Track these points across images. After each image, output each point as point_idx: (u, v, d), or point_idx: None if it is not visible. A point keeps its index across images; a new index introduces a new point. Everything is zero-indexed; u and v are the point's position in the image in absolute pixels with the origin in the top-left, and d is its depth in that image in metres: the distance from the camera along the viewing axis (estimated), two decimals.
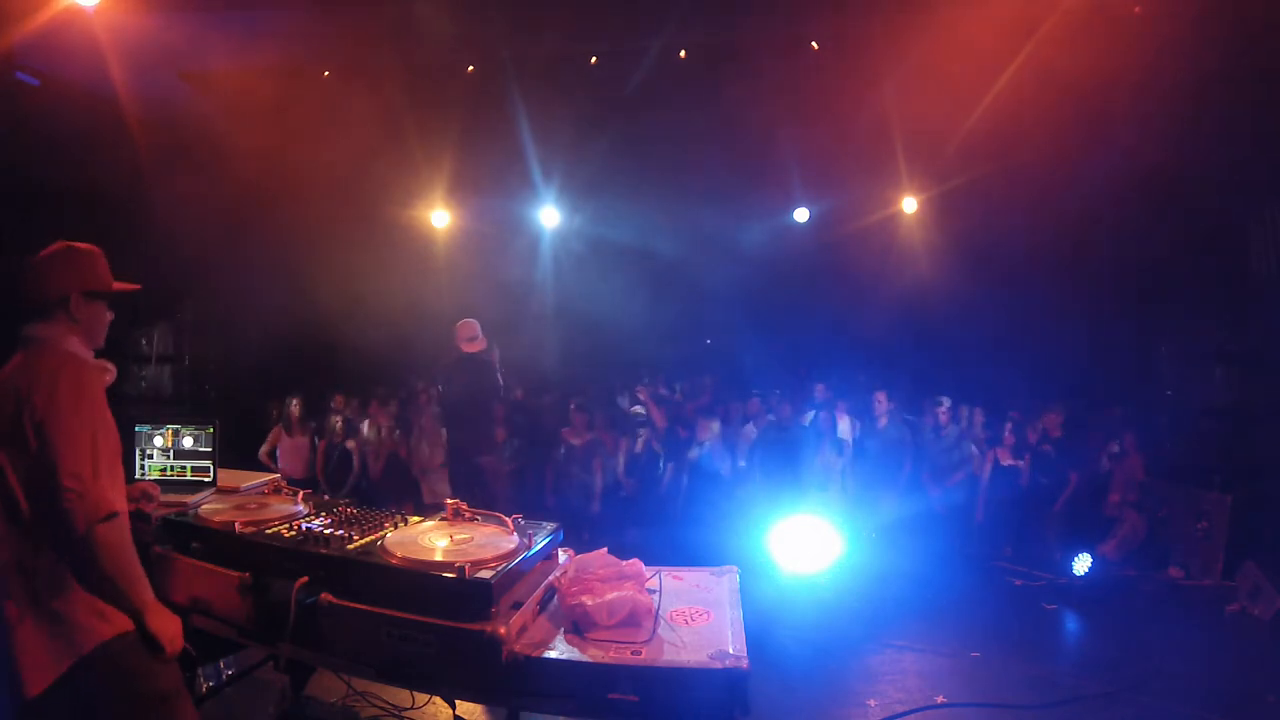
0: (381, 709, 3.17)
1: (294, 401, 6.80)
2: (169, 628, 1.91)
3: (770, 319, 10.67)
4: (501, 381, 5.83)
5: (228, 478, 3.02)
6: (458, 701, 2.79)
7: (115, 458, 1.89)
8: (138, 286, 2.16)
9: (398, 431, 7.14)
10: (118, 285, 2.10)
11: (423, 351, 9.59)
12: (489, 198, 9.87)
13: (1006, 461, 6.35)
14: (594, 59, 7.01)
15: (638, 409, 7.33)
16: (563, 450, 6.69)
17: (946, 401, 6.69)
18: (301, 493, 2.69)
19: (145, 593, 1.89)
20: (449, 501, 2.43)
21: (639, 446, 6.65)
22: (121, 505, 1.83)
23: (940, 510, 6.22)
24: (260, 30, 6.22)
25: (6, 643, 1.78)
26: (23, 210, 6.49)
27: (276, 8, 6.05)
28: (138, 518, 2.36)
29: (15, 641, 1.77)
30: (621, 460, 6.65)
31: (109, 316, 2.10)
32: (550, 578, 2.20)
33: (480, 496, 5.08)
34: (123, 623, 1.85)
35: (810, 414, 7.01)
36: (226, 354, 8.32)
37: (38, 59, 6.07)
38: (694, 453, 6.53)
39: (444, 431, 6.29)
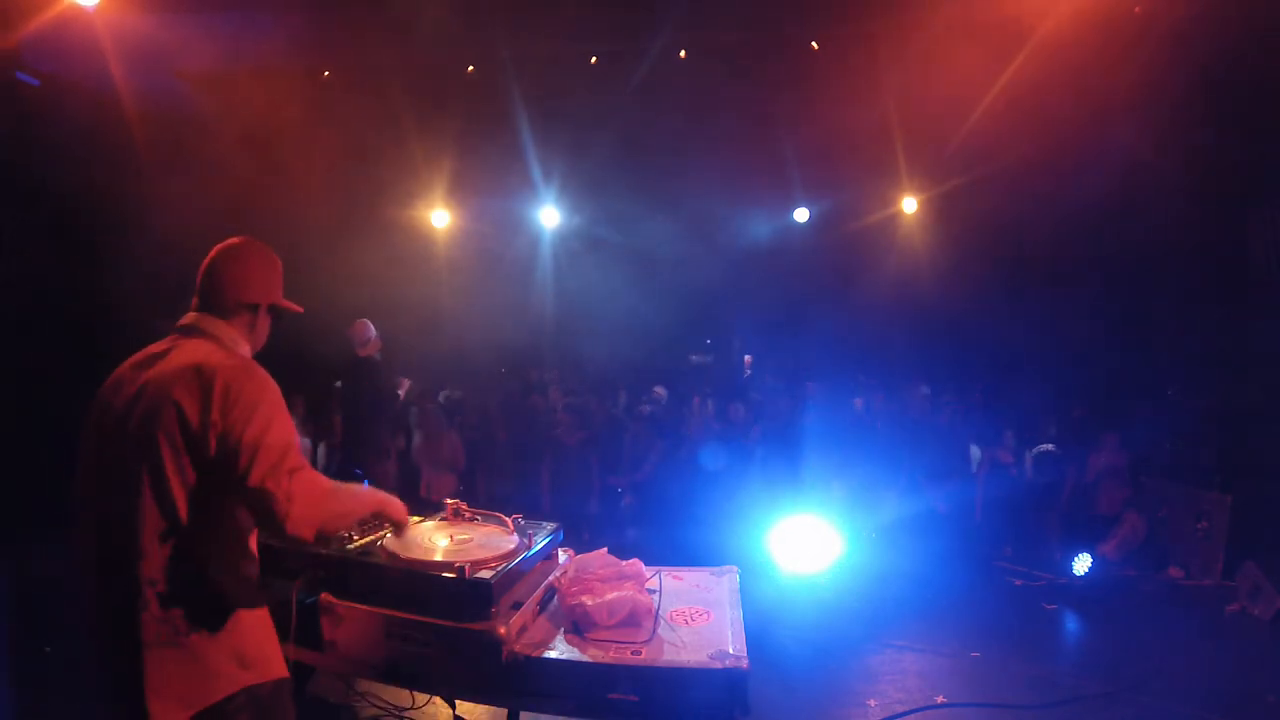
0: (381, 709, 3.17)
1: (296, 402, 6.79)
2: (398, 511, 1.94)
3: (770, 319, 10.69)
4: (390, 385, 5.70)
5: None
6: (458, 701, 2.79)
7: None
8: (300, 310, 1.98)
9: (399, 431, 7.13)
10: (289, 306, 1.95)
11: (423, 351, 9.61)
12: (489, 198, 9.88)
13: (1006, 461, 6.35)
14: (594, 59, 7.02)
15: (646, 407, 7.35)
16: (561, 450, 6.69)
17: (945, 399, 6.69)
18: None
19: (368, 504, 1.84)
20: (449, 501, 2.43)
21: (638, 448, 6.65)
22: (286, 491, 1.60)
23: (940, 510, 6.21)
24: (260, 30, 6.22)
25: (134, 663, 1.53)
26: (23, 210, 6.49)
27: (276, 8, 6.05)
28: None
29: (138, 678, 1.52)
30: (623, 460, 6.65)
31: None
32: (550, 578, 2.20)
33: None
34: (267, 669, 1.67)
35: (811, 414, 7.02)
36: None
37: (38, 59, 6.08)
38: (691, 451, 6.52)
39: (453, 432, 6.30)
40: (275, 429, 1.61)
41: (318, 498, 1.64)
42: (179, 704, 1.54)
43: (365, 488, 1.92)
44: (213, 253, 1.82)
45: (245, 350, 1.79)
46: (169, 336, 1.74)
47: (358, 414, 5.57)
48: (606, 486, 6.61)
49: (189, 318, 1.77)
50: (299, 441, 1.72)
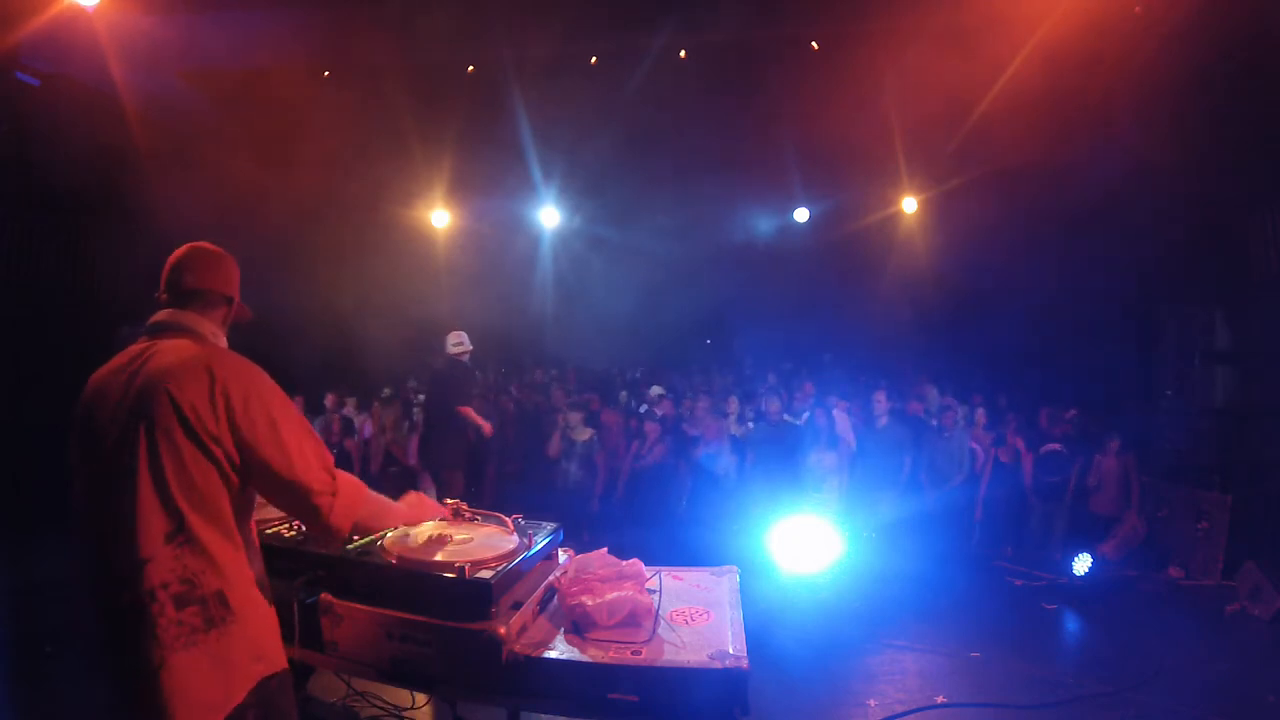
0: (381, 709, 3.16)
1: (296, 401, 6.79)
2: (422, 515, 2.13)
3: (770, 318, 10.70)
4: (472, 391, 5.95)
5: None
6: (458, 701, 2.79)
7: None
8: (250, 314, 1.97)
9: (399, 431, 7.14)
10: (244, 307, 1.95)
11: (424, 351, 9.63)
12: (489, 198, 9.89)
13: (1006, 461, 6.35)
14: (594, 59, 7.01)
15: (654, 409, 7.35)
16: (563, 448, 6.69)
17: (946, 399, 6.69)
18: None
19: (399, 516, 2.01)
20: (449, 501, 2.43)
21: (644, 449, 6.64)
22: (330, 485, 1.70)
23: (940, 510, 6.21)
24: (260, 29, 6.22)
25: (139, 689, 1.50)
26: (23, 209, 6.49)
27: (277, 7, 6.05)
28: None
29: (158, 688, 1.49)
30: (627, 461, 6.65)
31: None
32: (550, 578, 2.19)
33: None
34: (276, 661, 1.67)
35: (807, 414, 7.02)
36: None
37: (38, 59, 6.08)
38: (698, 451, 6.52)
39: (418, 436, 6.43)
40: (298, 424, 1.68)
41: (360, 495, 1.75)
42: (205, 708, 1.52)
43: (396, 503, 2.03)
44: (181, 251, 1.82)
45: (223, 343, 1.80)
46: (141, 339, 1.72)
47: (430, 421, 5.79)
48: (608, 486, 6.61)
49: (163, 315, 1.75)
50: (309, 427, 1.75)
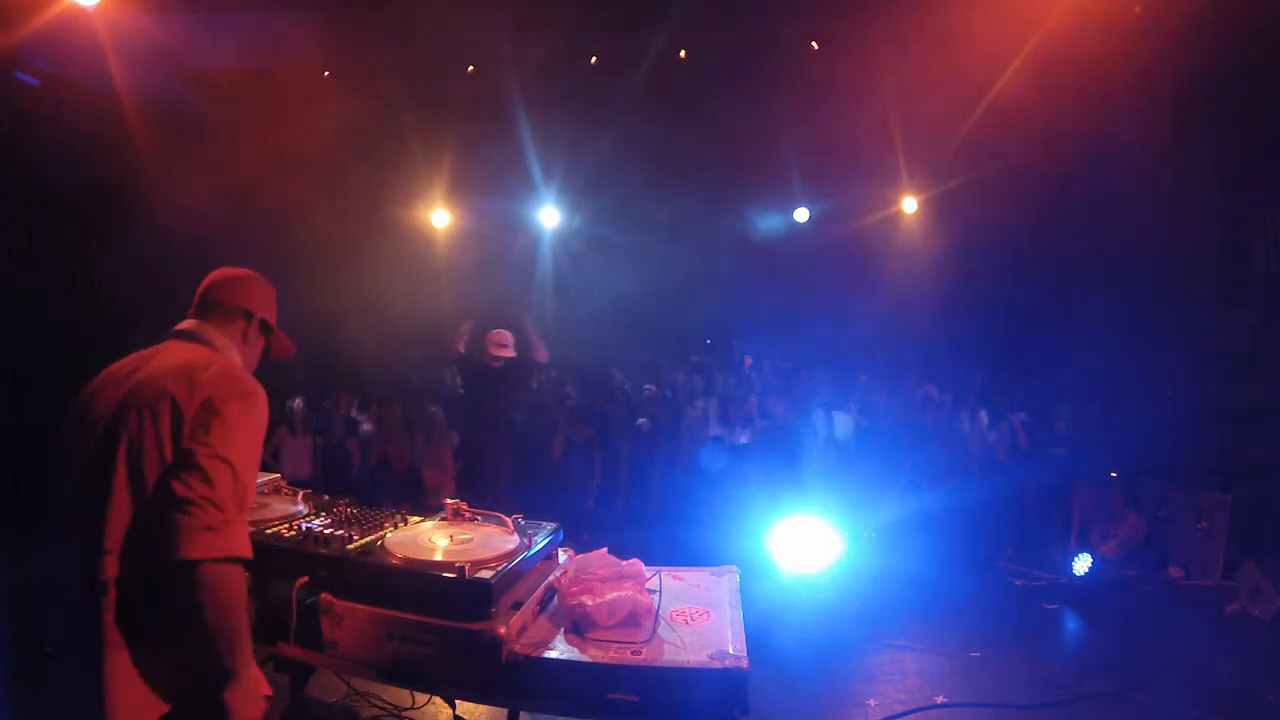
0: (381, 709, 3.17)
1: (297, 401, 6.79)
2: (250, 709, 1.59)
3: (770, 318, 10.69)
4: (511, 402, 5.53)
5: None
6: (458, 701, 2.79)
7: (251, 497, 1.65)
8: (294, 349, 2.03)
9: (399, 431, 7.13)
10: (283, 338, 2.01)
11: (423, 351, 9.63)
12: (489, 198, 9.88)
13: (1006, 461, 6.35)
14: (594, 59, 7.01)
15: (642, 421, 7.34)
16: (562, 449, 6.69)
17: (945, 398, 6.69)
18: (301, 492, 2.68)
19: (241, 657, 1.57)
20: (449, 501, 2.43)
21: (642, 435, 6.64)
22: (247, 553, 1.57)
23: (940, 510, 6.21)
24: (260, 29, 6.22)
25: (98, 665, 1.50)
26: (23, 209, 6.49)
27: (277, 7, 6.05)
28: None
29: (107, 666, 1.50)
30: (624, 459, 6.65)
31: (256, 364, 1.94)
32: (550, 578, 2.20)
33: (490, 503, 5.02)
34: (217, 687, 1.57)
35: (813, 413, 7.01)
36: None
37: (38, 59, 6.08)
38: (698, 451, 6.52)
39: (454, 433, 6.31)
40: (240, 463, 1.57)
41: (231, 578, 1.54)
42: (139, 709, 1.51)
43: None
44: (215, 271, 1.91)
45: (237, 359, 1.81)
46: (163, 342, 1.77)
47: (478, 429, 5.35)
48: (607, 486, 6.61)
49: (187, 323, 1.81)
50: (252, 478, 1.64)
